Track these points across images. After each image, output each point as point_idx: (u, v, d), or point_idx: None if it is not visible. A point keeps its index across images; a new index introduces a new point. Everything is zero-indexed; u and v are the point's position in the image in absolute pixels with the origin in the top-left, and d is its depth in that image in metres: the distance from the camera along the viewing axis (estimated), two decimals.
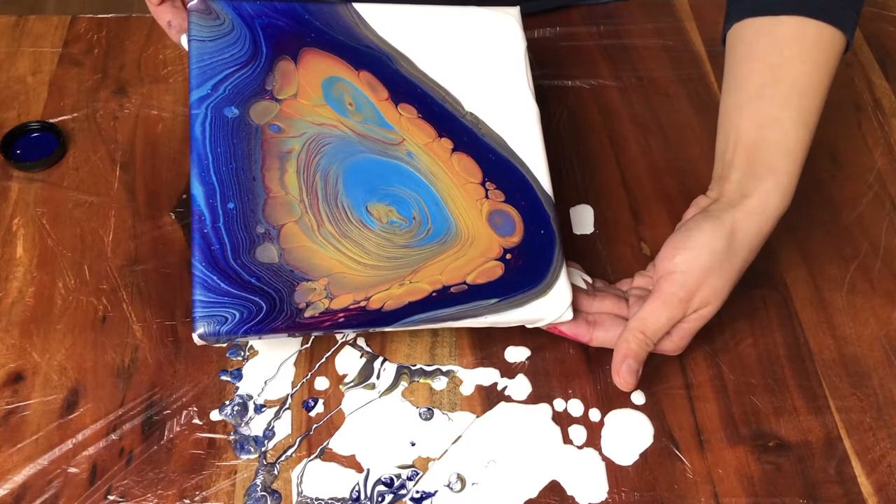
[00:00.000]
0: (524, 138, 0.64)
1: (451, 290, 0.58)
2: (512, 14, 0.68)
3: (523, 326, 0.62)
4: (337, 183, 0.60)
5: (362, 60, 0.64)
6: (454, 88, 0.64)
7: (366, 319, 0.57)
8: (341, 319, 0.56)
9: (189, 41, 0.62)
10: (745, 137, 0.60)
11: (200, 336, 0.55)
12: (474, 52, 0.66)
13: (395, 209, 0.60)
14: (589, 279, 0.64)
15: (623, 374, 0.58)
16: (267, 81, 0.62)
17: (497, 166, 0.62)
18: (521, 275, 0.60)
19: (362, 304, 0.57)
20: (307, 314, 0.56)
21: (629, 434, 0.60)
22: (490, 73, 0.65)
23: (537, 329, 0.63)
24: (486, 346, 0.63)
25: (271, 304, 0.56)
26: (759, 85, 0.60)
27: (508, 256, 0.60)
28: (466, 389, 0.61)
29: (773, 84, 0.60)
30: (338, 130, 0.61)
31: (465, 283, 0.59)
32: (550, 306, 0.59)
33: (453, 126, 0.63)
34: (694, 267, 0.58)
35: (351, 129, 0.61)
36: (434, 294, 0.58)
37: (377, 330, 0.59)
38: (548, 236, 0.61)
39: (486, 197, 0.61)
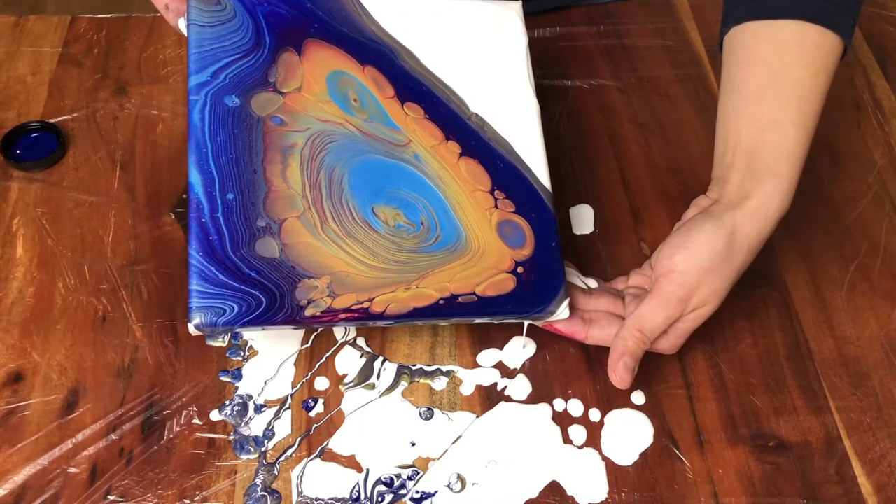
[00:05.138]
0: (527, 141, 0.63)
1: (460, 299, 0.58)
2: (514, 8, 0.67)
3: (522, 327, 0.62)
4: (342, 182, 0.59)
5: (367, 55, 0.63)
6: (458, 87, 0.64)
7: (368, 321, 0.57)
8: (342, 319, 0.56)
9: (188, 25, 0.61)
10: (745, 140, 0.60)
11: (196, 327, 0.54)
12: (477, 46, 0.65)
13: (402, 213, 0.59)
14: (591, 283, 0.63)
15: (619, 371, 0.58)
16: (270, 73, 0.61)
17: (505, 174, 0.62)
18: (534, 291, 0.59)
19: (365, 305, 0.56)
20: (308, 312, 0.55)
21: (629, 434, 0.60)
22: (492, 70, 0.65)
23: (537, 330, 0.63)
24: (487, 346, 0.63)
25: (272, 300, 0.55)
26: (759, 88, 0.60)
27: (520, 270, 0.59)
28: (466, 389, 0.61)
29: (773, 87, 0.60)
30: (343, 128, 0.60)
31: (474, 293, 0.58)
32: None
33: (459, 128, 0.62)
34: (693, 266, 0.58)
35: (357, 128, 0.61)
36: (441, 302, 0.57)
37: (378, 324, 0.58)
38: (557, 248, 0.61)
39: (496, 206, 0.61)
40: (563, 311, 0.59)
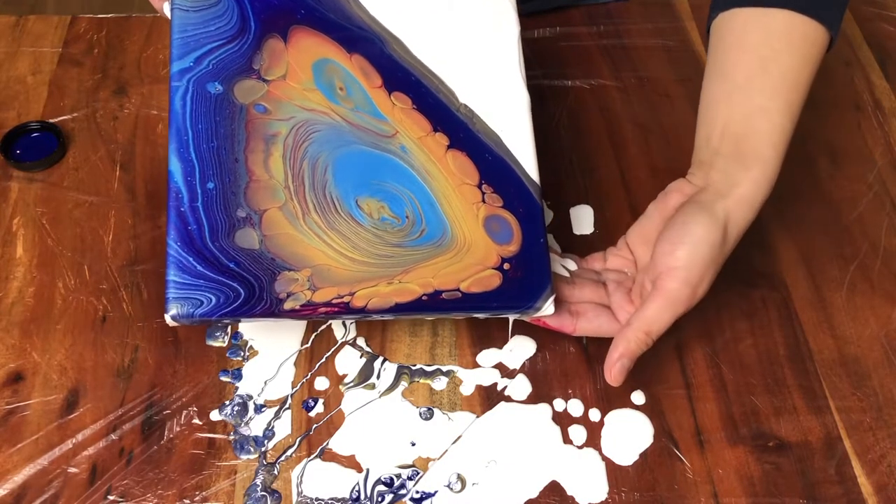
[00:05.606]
0: (517, 134, 0.62)
1: (443, 295, 0.57)
2: None
3: (521, 325, 0.62)
4: (326, 172, 0.58)
5: (354, 43, 0.62)
6: (447, 77, 0.62)
7: (349, 315, 0.56)
8: (322, 313, 0.55)
9: (171, 9, 0.60)
10: (733, 126, 0.61)
11: (173, 318, 0.54)
12: (468, 35, 0.64)
13: (387, 206, 0.58)
14: (570, 265, 0.63)
15: (615, 372, 0.58)
16: (254, 60, 0.59)
17: (494, 168, 0.60)
18: (520, 288, 0.58)
19: (346, 299, 0.56)
20: (287, 306, 0.55)
21: (629, 434, 0.60)
22: (483, 59, 0.63)
23: (538, 330, 0.63)
24: (487, 346, 0.63)
25: (250, 292, 0.55)
26: (748, 75, 0.61)
27: (506, 266, 0.58)
28: (466, 389, 0.61)
29: (762, 75, 0.60)
30: (328, 118, 0.59)
31: (458, 290, 0.57)
32: None
33: (448, 120, 0.61)
34: (696, 261, 0.58)
35: (342, 118, 0.60)
36: (424, 298, 0.57)
37: (362, 319, 0.58)
38: (544, 244, 0.60)
39: (483, 201, 0.60)
40: (548, 308, 0.59)
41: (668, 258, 0.58)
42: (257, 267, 0.55)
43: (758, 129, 0.60)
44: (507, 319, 0.62)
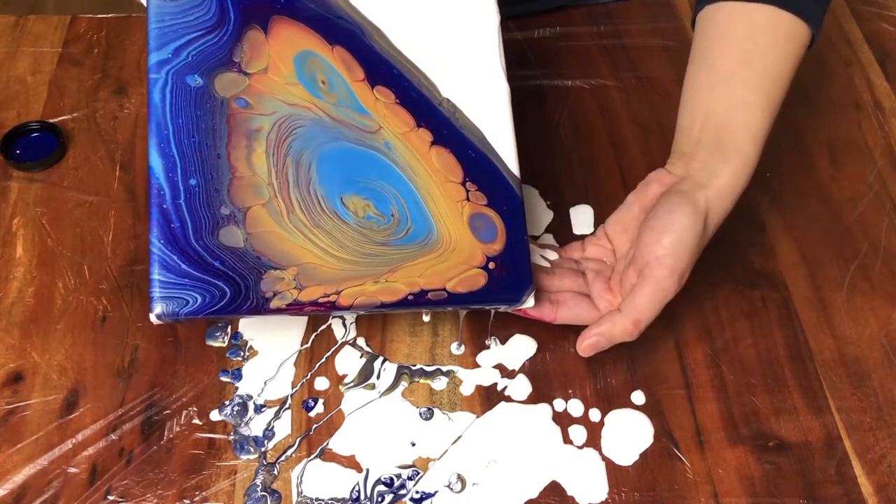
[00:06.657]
0: (498, 128, 0.61)
1: (429, 295, 0.57)
2: None
3: (522, 326, 0.62)
4: (310, 169, 0.57)
5: (336, 34, 0.60)
6: (429, 69, 0.61)
7: (335, 312, 0.56)
8: (308, 311, 0.55)
9: None
10: (714, 117, 0.61)
11: (158, 317, 0.54)
12: (448, 25, 0.62)
13: (372, 204, 0.58)
14: (549, 255, 0.64)
15: (587, 345, 0.59)
16: (235, 52, 0.58)
17: (477, 165, 0.60)
18: (504, 286, 0.58)
19: (332, 298, 0.55)
20: (273, 305, 0.54)
21: (629, 434, 0.60)
22: (464, 50, 0.62)
23: (539, 330, 0.63)
24: (487, 346, 0.63)
25: (236, 291, 0.54)
26: (731, 68, 0.61)
27: (491, 266, 0.58)
28: (466, 389, 0.61)
29: (745, 68, 0.61)
30: (311, 113, 0.58)
31: (444, 289, 0.57)
32: None
33: (431, 115, 0.60)
34: (682, 248, 0.58)
35: (325, 113, 0.59)
36: (410, 297, 0.56)
37: (349, 313, 0.58)
38: (525, 241, 0.59)
39: (468, 199, 0.59)
40: (529, 301, 0.59)
41: (654, 247, 0.58)
42: (243, 265, 0.55)
43: (738, 122, 0.61)
44: (492, 313, 0.62)
